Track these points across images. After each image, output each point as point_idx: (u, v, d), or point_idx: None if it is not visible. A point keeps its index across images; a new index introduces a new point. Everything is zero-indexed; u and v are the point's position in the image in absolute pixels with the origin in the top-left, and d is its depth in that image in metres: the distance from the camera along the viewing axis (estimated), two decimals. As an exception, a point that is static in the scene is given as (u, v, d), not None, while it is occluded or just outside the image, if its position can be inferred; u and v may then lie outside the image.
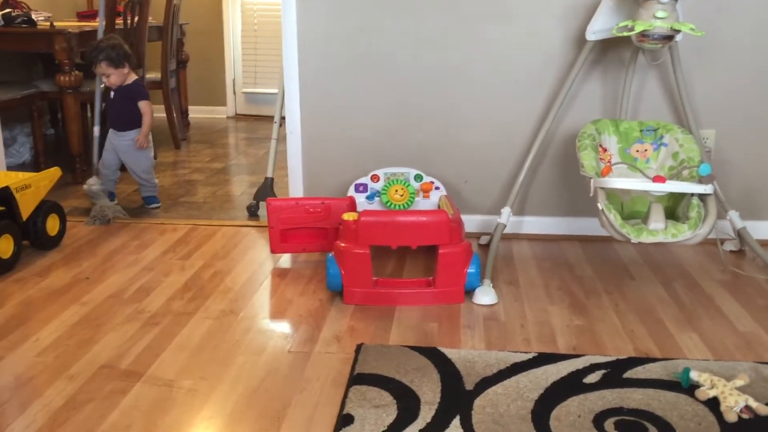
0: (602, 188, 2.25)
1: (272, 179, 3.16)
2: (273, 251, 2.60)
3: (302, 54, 2.83)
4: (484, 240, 2.82)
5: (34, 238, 2.64)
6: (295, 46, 2.82)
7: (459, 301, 2.26)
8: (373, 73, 2.82)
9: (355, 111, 2.87)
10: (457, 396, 1.70)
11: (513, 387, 1.74)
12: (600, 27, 2.53)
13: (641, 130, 2.52)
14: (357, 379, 1.78)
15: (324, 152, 2.91)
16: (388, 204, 2.70)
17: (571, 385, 1.75)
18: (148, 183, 3.30)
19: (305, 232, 2.58)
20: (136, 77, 3.27)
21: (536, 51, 2.75)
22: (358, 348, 1.94)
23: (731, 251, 2.72)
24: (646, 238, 2.18)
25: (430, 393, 1.71)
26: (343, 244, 2.26)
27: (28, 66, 4.50)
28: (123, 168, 3.31)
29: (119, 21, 3.98)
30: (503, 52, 2.76)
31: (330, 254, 2.30)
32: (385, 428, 1.57)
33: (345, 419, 1.61)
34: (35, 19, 3.80)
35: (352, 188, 2.75)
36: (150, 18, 4.28)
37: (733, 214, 2.61)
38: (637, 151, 2.51)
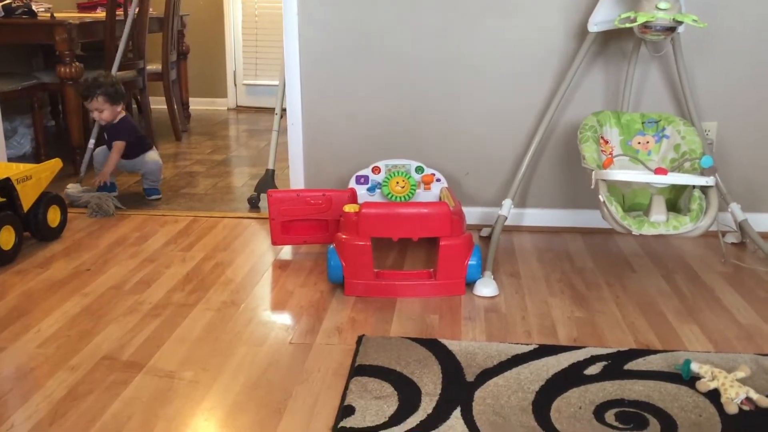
0: (604, 180, 2.25)
1: (273, 171, 3.16)
2: (274, 243, 2.60)
3: (303, 46, 2.82)
4: (485, 232, 2.82)
5: (35, 229, 2.64)
6: (295, 38, 2.81)
7: (460, 292, 2.26)
8: (375, 65, 2.82)
9: (356, 103, 2.86)
10: (458, 387, 1.71)
11: (514, 378, 1.74)
12: (602, 18, 2.52)
13: (643, 122, 2.51)
14: (358, 370, 1.78)
15: (325, 144, 2.91)
16: (389, 196, 2.70)
17: (571, 377, 1.75)
18: (154, 177, 3.33)
19: (306, 223, 2.58)
20: (124, 114, 3.30)
21: (538, 42, 2.74)
22: (359, 339, 1.94)
23: (732, 243, 2.72)
24: (648, 230, 2.18)
25: (430, 384, 1.72)
26: (344, 236, 2.26)
27: (29, 57, 4.49)
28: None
29: (120, 12, 3.97)
30: (505, 44, 2.76)
31: (331, 246, 2.30)
32: (386, 419, 1.57)
33: (346, 410, 1.61)
34: (35, 10, 3.79)
35: (353, 180, 2.75)
36: (150, 9, 4.27)
37: (734, 206, 2.61)
38: (639, 143, 2.51)
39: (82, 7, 4.83)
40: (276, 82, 3.14)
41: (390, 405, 1.63)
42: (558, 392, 1.69)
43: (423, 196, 2.72)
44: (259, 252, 2.63)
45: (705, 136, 2.70)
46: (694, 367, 1.73)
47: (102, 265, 2.48)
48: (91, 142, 3.46)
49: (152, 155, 3.36)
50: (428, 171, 2.75)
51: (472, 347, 1.90)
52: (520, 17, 2.72)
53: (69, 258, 2.55)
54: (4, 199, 2.51)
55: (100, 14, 4.27)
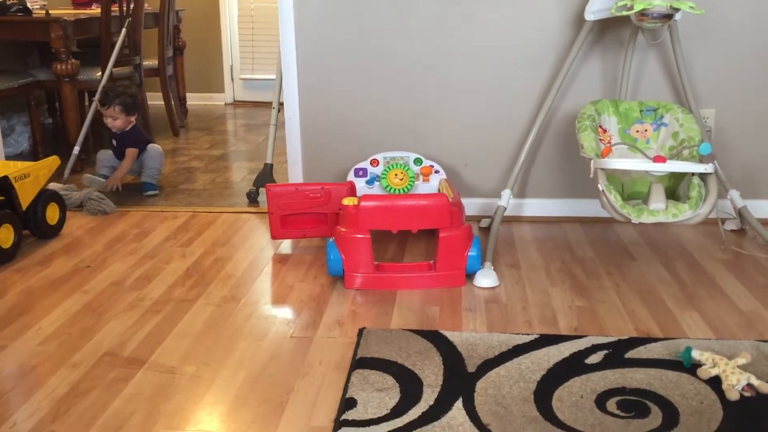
0: (602, 169, 2.25)
1: (272, 165, 3.16)
2: (273, 237, 2.59)
3: (299, 39, 2.81)
4: (484, 223, 2.82)
5: (35, 227, 2.64)
6: (292, 32, 2.80)
7: (460, 284, 2.26)
8: (371, 57, 2.81)
9: (353, 95, 2.85)
10: (460, 378, 1.71)
11: (515, 369, 1.75)
12: (599, 7, 2.51)
13: (641, 111, 2.51)
14: (359, 363, 1.78)
15: (323, 137, 2.91)
16: (388, 188, 2.70)
17: (573, 366, 1.76)
18: (154, 171, 3.34)
19: (305, 217, 2.57)
20: (134, 122, 3.40)
21: (535, 32, 2.73)
22: (360, 332, 1.95)
23: (732, 230, 2.72)
24: (647, 219, 2.18)
25: (432, 376, 1.72)
26: (343, 229, 2.26)
27: (25, 55, 4.48)
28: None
29: (115, 8, 3.96)
30: (502, 34, 2.75)
31: (330, 239, 2.30)
32: (388, 411, 1.58)
33: (348, 403, 1.61)
34: (30, 8, 3.78)
35: (351, 173, 2.74)
36: (146, 5, 4.25)
37: (733, 193, 2.61)
38: (637, 131, 2.50)
39: (77, 4, 4.81)
40: (273, 77, 3.13)
41: (392, 397, 1.63)
42: (559, 382, 1.69)
43: (422, 187, 2.72)
44: (259, 246, 2.63)
45: (703, 123, 2.70)
46: (695, 354, 1.73)
47: (102, 262, 2.48)
48: (76, 149, 3.51)
49: (152, 146, 3.41)
50: (427, 163, 2.75)
51: (473, 338, 1.90)
52: (517, 6, 2.72)
53: (69, 255, 2.55)
54: (2, 198, 2.50)
55: (95, 11, 4.26)
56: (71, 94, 3.70)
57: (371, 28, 2.78)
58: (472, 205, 2.85)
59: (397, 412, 1.58)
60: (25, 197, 2.58)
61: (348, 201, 2.31)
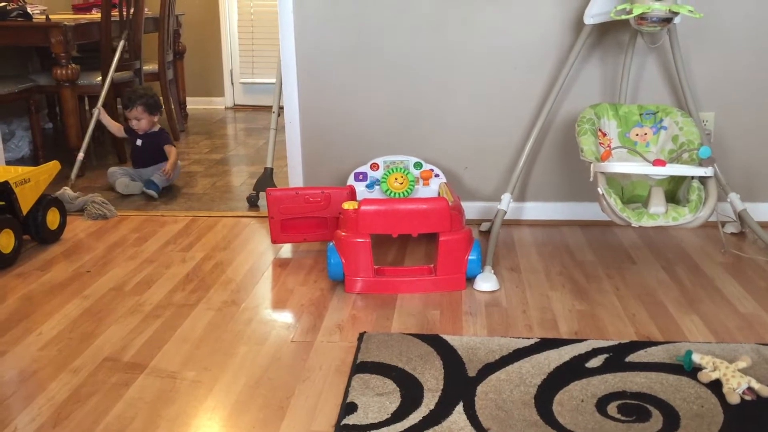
0: (602, 173, 2.25)
1: (272, 169, 3.16)
2: (273, 241, 2.60)
3: (299, 43, 2.82)
4: (484, 227, 2.82)
5: (35, 232, 2.64)
6: (291, 36, 2.81)
7: (460, 288, 2.26)
8: (371, 60, 2.81)
9: (353, 99, 2.86)
10: (460, 383, 1.71)
11: (516, 373, 1.75)
12: (598, 10, 2.51)
13: (641, 114, 2.51)
14: (360, 367, 1.78)
15: (323, 141, 2.91)
16: (388, 192, 2.70)
17: (573, 370, 1.76)
18: (165, 179, 3.39)
19: (305, 221, 2.58)
20: (160, 126, 3.56)
21: (534, 35, 2.74)
22: (361, 336, 1.95)
23: (732, 233, 2.72)
24: (647, 222, 2.18)
25: (433, 380, 1.72)
26: (343, 233, 2.26)
27: (25, 60, 4.48)
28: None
29: (115, 13, 3.97)
30: (501, 38, 2.75)
31: (331, 243, 2.30)
32: (389, 416, 1.58)
33: (348, 407, 1.61)
34: (31, 13, 3.78)
35: (351, 177, 2.75)
36: (146, 9, 4.26)
37: (733, 197, 2.61)
38: (637, 134, 2.50)
39: (77, 9, 4.82)
40: (273, 80, 3.14)
41: (392, 401, 1.63)
42: (560, 386, 1.69)
43: (422, 191, 2.72)
44: (259, 251, 2.63)
45: (703, 126, 2.70)
46: (696, 358, 1.73)
47: (102, 267, 2.48)
48: (81, 154, 3.53)
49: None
50: (427, 166, 2.75)
51: (474, 342, 1.90)
52: (517, 10, 2.72)
53: (69, 260, 2.55)
54: (3, 203, 2.50)
55: (96, 15, 4.26)
56: (71, 99, 3.71)
57: (371, 32, 2.79)
58: (472, 209, 2.85)
59: (397, 416, 1.57)
60: (26, 202, 2.58)
61: (348, 205, 2.31)
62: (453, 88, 2.82)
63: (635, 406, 1.61)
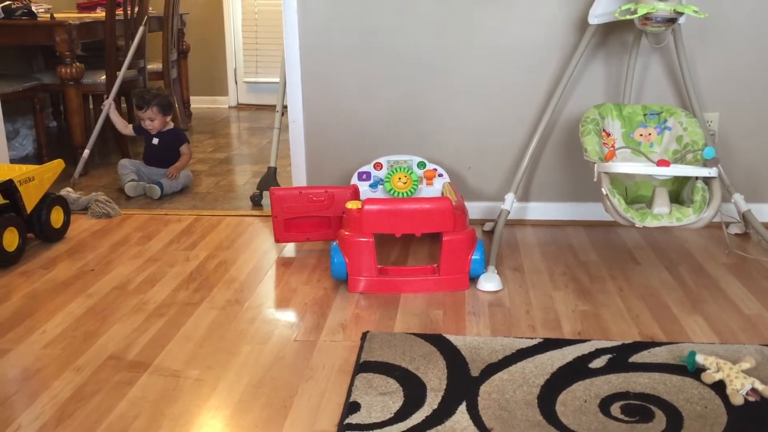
0: (606, 173, 2.25)
1: (275, 168, 3.16)
2: (277, 240, 2.60)
3: (303, 42, 2.82)
4: (488, 227, 2.81)
5: (39, 230, 2.65)
6: (296, 35, 2.81)
7: (464, 288, 2.26)
8: (375, 61, 2.81)
9: (357, 99, 2.86)
10: (463, 382, 1.71)
11: (519, 373, 1.74)
12: (602, 11, 2.51)
13: (645, 114, 2.51)
14: (363, 366, 1.78)
15: (327, 141, 2.91)
16: (392, 192, 2.70)
17: (576, 370, 1.75)
18: (174, 184, 3.39)
19: (309, 221, 2.58)
20: (174, 125, 3.56)
21: (538, 36, 2.73)
22: (364, 336, 1.95)
23: (736, 234, 2.71)
24: (651, 223, 2.18)
25: (436, 380, 1.72)
26: (347, 233, 2.26)
27: (29, 58, 4.49)
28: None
29: (119, 12, 3.97)
30: (504, 37, 2.75)
31: (334, 243, 2.30)
32: (392, 415, 1.58)
33: (351, 407, 1.61)
34: (35, 11, 3.79)
35: (355, 176, 2.75)
36: (150, 8, 4.26)
37: (737, 197, 2.60)
38: (641, 135, 2.50)
39: (81, 8, 4.83)
40: (277, 80, 3.14)
41: (395, 401, 1.63)
42: (563, 386, 1.69)
43: (425, 191, 2.72)
44: (263, 250, 2.63)
45: (707, 127, 2.69)
46: (699, 358, 1.73)
47: (106, 266, 2.48)
48: (86, 151, 3.53)
49: (186, 172, 3.53)
50: (430, 166, 2.75)
51: (477, 342, 1.90)
52: (521, 10, 2.72)
53: (73, 259, 2.55)
54: (7, 201, 2.51)
55: (100, 14, 4.27)
56: (76, 98, 3.72)
57: (375, 32, 2.79)
58: (475, 209, 2.85)
59: (400, 416, 1.58)
60: (30, 201, 2.59)
61: (351, 204, 2.31)
62: (457, 88, 2.82)
63: (638, 407, 1.61)
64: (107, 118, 3.61)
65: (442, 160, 2.83)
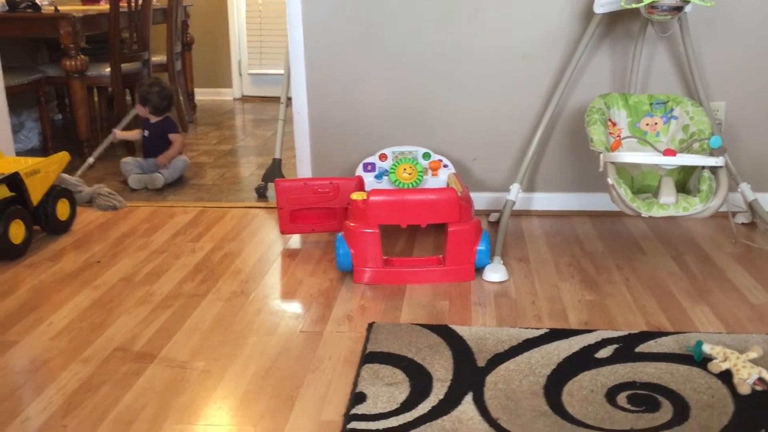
0: (612, 163, 2.24)
1: (280, 160, 3.16)
2: (282, 232, 2.60)
3: (307, 34, 2.81)
4: (493, 217, 2.81)
5: (45, 223, 2.65)
6: (300, 26, 2.80)
7: (469, 278, 2.26)
8: (379, 51, 2.80)
9: (361, 90, 2.85)
10: (470, 373, 1.71)
11: (525, 363, 1.74)
12: (608, -1, 2.50)
13: (651, 104, 2.50)
14: (369, 357, 1.78)
15: (331, 132, 2.90)
16: (397, 183, 2.69)
17: (583, 360, 1.75)
18: (173, 170, 3.41)
19: (314, 212, 2.58)
20: (165, 115, 3.58)
21: (543, 25, 2.72)
22: (370, 327, 1.95)
23: (743, 224, 2.70)
24: (657, 212, 2.17)
25: (442, 370, 1.72)
26: (352, 224, 2.26)
27: (34, 51, 4.50)
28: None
29: (123, 4, 3.97)
30: (509, 27, 2.74)
31: (339, 234, 2.30)
32: (398, 406, 1.58)
33: (358, 397, 1.61)
34: (40, 4, 3.79)
35: (360, 168, 2.74)
36: (154, 0, 4.26)
37: (744, 187, 2.59)
38: (647, 124, 2.49)
39: (85, 0, 4.82)
40: (281, 71, 3.13)
41: (401, 391, 1.63)
42: (569, 376, 1.69)
43: (431, 182, 2.72)
44: (268, 241, 2.63)
45: (714, 116, 2.68)
46: (706, 348, 1.72)
47: (112, 257, 2.49)
48: (90, 160, 3.56)
49: (182, 157, 3.56)
50: (435, 157, 2.74)
51: (483, 332, 1.90)
52: (525, 0, 2.70)
53: (79, 251, 2.56)
54: (13, 194, 2.51)
55: (104, 6, 4.26)
56: (80, 90, 3.72)
57: (379, 23, 2.78)
58: (481, 200, 2.84)
59: (407, 406, 1.58)
60: (36, 193, 2.59)
61: (357, 196, 2.31)
62: (461, 79, 2.81)
63: (645, 397, 1.61)
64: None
65: (447, 150, 2.83)
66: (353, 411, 1.56)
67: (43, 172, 2.62)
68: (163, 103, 3.50)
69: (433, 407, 1.57)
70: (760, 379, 1.62)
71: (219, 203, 3.10)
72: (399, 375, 1.70)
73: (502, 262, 2.32)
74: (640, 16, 2.43)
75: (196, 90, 5.45)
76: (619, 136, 2.45)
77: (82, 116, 3.73)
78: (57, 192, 2.69)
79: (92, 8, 4.23)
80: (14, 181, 2.51)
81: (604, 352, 1.79)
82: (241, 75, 5.90)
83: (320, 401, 1.62)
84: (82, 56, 3.66)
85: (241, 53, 5.85)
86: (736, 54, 2.69)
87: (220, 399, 1.64)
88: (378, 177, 2.72)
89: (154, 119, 3.50)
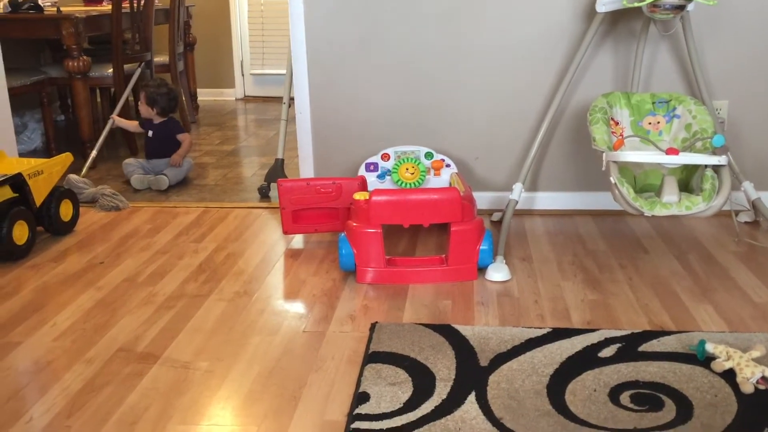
0: (615, 162, 2.24)
1: (283, 160, 3.16)
2: (285, 232, 2.60)
3: (309, 34, 2.81)
4: (496, 217, 2.81)
5: (48, 224, 2.66)
6: (302, 27, 2.80)
7: (472, 278, 2.26)
8: (382, 51, 2.81)
9: (363, 90, 2.85)
10: (472, 372, 1.71)
11: (528, 362, 1.74)
12: (610, -2, 2.49)
13: (653, 102, 2.49)
14: (372, 357, 1.79)
15: (334, 132, 2.91)
16: (399, 182, 2.70)
17: (585, 360, 1.75)
18: (176, 172, 3.41)
19: (317, 212, 2.58)
20: (168, 116, 3.57)
21: (545, 24, 2.72)
22: (373, 326, 1.95)
23: (746, 222, 2.70)
24: (660, 211, 2.17)
25: (445, 370, 1.72)
26: (354, 224, 2.26)
27: (37, 52, 4.50)
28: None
29: (126, 5, 3.97)
30: (512, 26, 2.74)
31: (342, 234, 2.30)
32: (401, 405, 1.58)
33: (361, 397, 1.61)
34: (42, 5, 3.79)
35: (362, 167, 2.74)
36: (156, 1, 4.26)
37: (747, 185, 2.59)
38: (650, 123, 2.49)
39: (87, 1, 4.82)
40: (283, 72, 3.14)
41: (404, 391, 1.63)
42: (572, 375, 1.69)
43: (433, 182, 2.72)
44: (271, 241, 2.64)
45: (716, 114, 2.68)
46: (709, 347, 1.72)
47: (115, 258, 2.49)
48: (94, 152, 3.55)
49: (187, 159, 3.56)
50: (438, 157, 2.74)
51: (486, 332, 1.90)
52: (527, -1, 2.71)
53: (82, 251, 2.56)
54: (16, 195, 2.52)
55: (106, 7, 4.27)
56: (83, 91, 3.72)
57: (381, 22, 2.78)
58: (483, 199, 2.84)
59: (410, 406, 1.58)
60: (39, 194, 2.60)
61: (359, 196, 2.31)
62: (463, 78, 2.81)
63: (648, 396, 1.60)
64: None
65: (450, 150, 2.83)
66: (356, 411, 1.56)
67: (46, 173, 2.63)
68: (170, 105, 3.51)
69: (436, 407, 1.57)
70: (764, 378, 1.62)
71: (222, 203, 3.10)
72: (402, 375, 1.70)
73: (504, 261, 2.32)
74: (643, 14, 2.43)
75: (199, 90, 5.45)
76: (621, 135, 2.45)
77: (85, 117, 3.74)
78: (60, 193, 2.69)
79: (94, 9, 4.23)
80: (17, 182, 2.51)
81: (607, 352, 1.79)
82: (243, 75, 5.90)
83: (323, 401, 1.62)
84: (85, 57, 3.67)
85: (244, 53, 5.85)
86: (739, 52, 2.68)
87: (223, 399, 1.65)
88: (380, 177, 2.73)
89: (158, 120, 3.51)
